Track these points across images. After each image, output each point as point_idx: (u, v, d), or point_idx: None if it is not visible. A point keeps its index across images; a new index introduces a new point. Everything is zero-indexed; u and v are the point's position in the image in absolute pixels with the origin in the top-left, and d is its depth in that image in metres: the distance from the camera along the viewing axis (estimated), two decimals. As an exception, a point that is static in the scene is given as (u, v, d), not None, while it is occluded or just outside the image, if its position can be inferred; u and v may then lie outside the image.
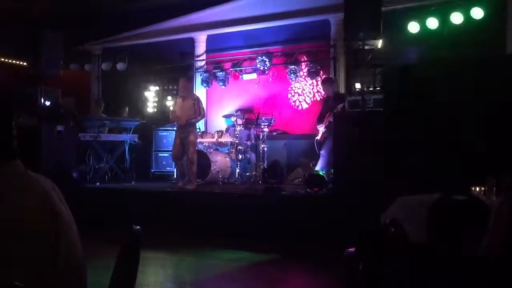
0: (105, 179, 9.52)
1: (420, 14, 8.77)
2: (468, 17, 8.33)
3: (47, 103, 9.02)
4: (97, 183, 9.09)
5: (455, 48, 8.16)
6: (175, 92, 9.60)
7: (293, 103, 10.79)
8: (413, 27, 8.81)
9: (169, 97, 11.85)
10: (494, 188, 3.93)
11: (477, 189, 4.00)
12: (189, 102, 8.39)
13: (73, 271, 1.23)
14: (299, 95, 10.76)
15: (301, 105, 10.72)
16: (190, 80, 9.12)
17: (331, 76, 9.74)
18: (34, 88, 8.93)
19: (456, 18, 8.40)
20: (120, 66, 11.73)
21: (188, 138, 8.27)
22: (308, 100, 10.65)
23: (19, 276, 1.09)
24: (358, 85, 7.94)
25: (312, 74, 10.27)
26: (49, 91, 9.14)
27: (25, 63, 12.40)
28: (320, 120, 8.35)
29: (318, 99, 10.38)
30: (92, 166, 9.47)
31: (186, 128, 8.29)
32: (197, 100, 8.54)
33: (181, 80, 8.66)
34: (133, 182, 9.63)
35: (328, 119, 8.15)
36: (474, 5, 8.26)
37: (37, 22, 9.63)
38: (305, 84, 10.67)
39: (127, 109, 11.08)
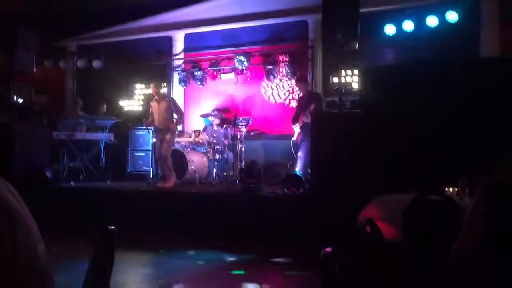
0: (79, 179, 9.37)
1: (396, 17, 8.91)
2: (443, 20, 8.49)
3: (20, 100, 8.84)
4: (71, 183, 8.95)
5: (430, 50, 8.29)
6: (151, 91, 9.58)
7: (270, 103, 10.79)
8: (390, 29, 8.93)
9: (146, 96, 11.76)
10: (467, 189, 4.00)
11: (451, 189, 4.07)
12: (164, 104, 8.51)
13: (34, 275, 1.18)
14: (272, 89, 10.72)
15: (275, 99, 10.71)
16: (159, 85, 9.18)
17: (306, 75, 9.80)
18: (6, 85, 8.74)
19: (432, 21, 8.55)
20: (96, 63, 11.56)
21: (165, 136, 8.45)
22: (282, 96, 10.65)
23: None
24: (335, 86, 8.01)
25: (289, 75, 10.31)
26: (21, 88, 8.96)
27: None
28: (295, 120, 8.39)
29: (295, 99, 10.41)
30: (66, 165, 9.32)
31: (165, 130, 8.47)
32: (172, 101, 8.69)
33: (151, 86, 8.84)
34: (108, 182, 9.51)
35: (302, 119, 8.20)
36: (449, 9, 8.42)
37: (11, 18, 9.41)
38: (283, 84, 10.68)
39: (105, 106, 10.94)
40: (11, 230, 1.12)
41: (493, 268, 1.72)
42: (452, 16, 8.41)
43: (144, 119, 8.93)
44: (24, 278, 1.13)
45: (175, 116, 8.65)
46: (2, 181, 1.24)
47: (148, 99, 10.96)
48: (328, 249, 2.00)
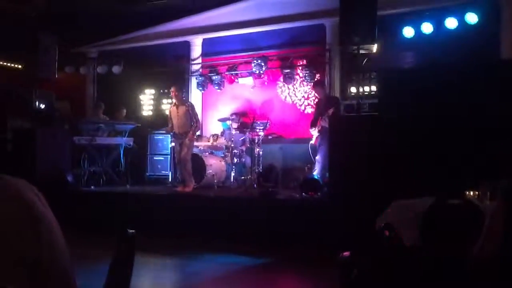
0: (99, 183, 9.49)
1: (415, 19, 8.82)
2: (462, 22, 8.39)
3: (42, 106, 8.99)
4: (92, 187, 9.06)
5: (450, 52, 8.19)
6: (170, 95, 9.66)
7: (288, 107, 10.79)
8: (408, 31, 8.85)
9: (164, 101, 11.88)
10: (488, 193, 3.95)
11: (471, 193, 4.01)
12: (182, 109, 8.54)
13: (58, 278, 1.21)
14: (294, 98, 10.76)
15: (297, 108, 10.73)
16: (180, 88, 9.19)
17: (323, 79, 9.76)
18: (28, 91, 8.90)
19: (451, 23, 8.45)
20: (115, 69, 11.71)
21: (184, 140, 8.51)
22: (303, 104, 10.66)
23: (5, 279, 1.07)
24: (353, 89, 7.98)
25: (307, 78, 10.30)
26: (43, 94, 9.11)
27: (19, 66, 12.35)
28: (313, 124, 8.37)
29: (313, 103, 10.39)
30: (87, 170, 9.45)
31: (183, 135, 8.54)
32: (191, 106, 8.71)
33: (172, 89, 8.73)
34: (128, 186, 9.61)
35: (320, 123, 8.18)
36: (468, 10, 8.31)
37: (32, 25, 9.60)
38: (301, 88, 10.67)
39: (124, 111, 11.08)
40: (35, 233, 1.15)
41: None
42: (471, 18, 8.30)
43: (166, 127, 8.97)
44: (49, 281, 1.15)
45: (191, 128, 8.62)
46: (28, 185, 1.27)
47: (167, 104, 11.08)
48: (346, 253, 2.00)
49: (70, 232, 1.41)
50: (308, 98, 10.56)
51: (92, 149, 9.39)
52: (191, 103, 9.05)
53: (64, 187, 8.24)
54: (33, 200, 1.20)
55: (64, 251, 1.23)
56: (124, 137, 9.84)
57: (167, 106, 11.21)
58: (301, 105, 10.66)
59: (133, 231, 1.80)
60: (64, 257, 1.22)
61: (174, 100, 8.75)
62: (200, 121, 9.46)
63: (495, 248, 1.70)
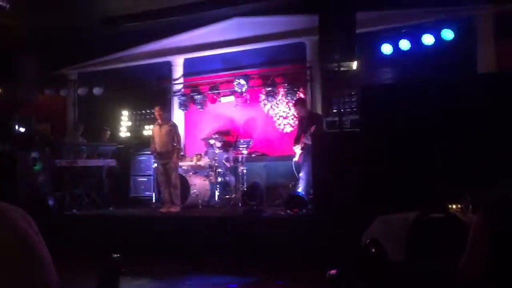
0: (82, 205, 9.35)
1: (392, 36, 8.98)
2: (439, 39, 8.56)
3: (22, 129, 8.88)
4: (74, 210, 8.92)
5: (428, 68, 8.35)
6: (152, 115, 9.64)
7: (278, 127, 10.79)
8: (386, 48, 9.01)
9: (146, 122, 11.83)
10: (470, 205, 4.00)
11: (454, 206, 4.06)
12: (166, 128, 8.56)
13: None
14: (284, 118, 10.77)
15: (280, 126, 10.76)
16: (164, 107, 9.21)
17: (304, 97, 9.84)
18: (8, 115, 8.79)
19: (428, 39, 8.63)
20: (96, 91, 11.64)
21: (169, 164, 8.49)
22: (285, 122, 10.70)
23: None
24: (335, 106, 8.06)
25: (289, 96, 10.37)
26: (23, 118, 9.00)
27: (-1, 90, 12.21)
28: (296, 141, 8.41)
29: (292, 122, 10.43)
30: (69, 192, 9.31)
31: (166, 154, 8.44)
32: (174, 126, 8.75)
33: (156, 108, 8.75)
34: (111, 208, 9.48)
35: (303, 140, 8.23)
36: (444, 27, 8.50)
37: (11, 48, 9.52)
38: (282, 106, 10.72)
39: (108, 132, 11.01)
40: (29, 267, 1.14)
41: (500, 284, 1.71)
42: (448, 34, 8.49)
43: (150, 147, 8.94)
44: None
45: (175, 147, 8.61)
46: (19, 212, 1.27)
47: (149, 124, 11.03)
48: (333, 271, 1.99)
49: (53, 256, 1.38)
50: (286, 117, 10.60)
51: (74, 171, 9.27)
52: (174, 123, 9.07)
53: (45, 211, 8.10)
54: (23, 226, 1.20)
55: (54, 275, 1.22)
56: (107, 158, 9.74)
57: (149, 126, 11.17)
58: (284, 123, 10.70)
59: (118, 255, 1.78)
60: (54, 281, 1.21)
61: (157, 120, 8.73)
62: (183, 141, 9.45)
63: (480, 262, 1.71)
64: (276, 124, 10.75)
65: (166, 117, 8.91)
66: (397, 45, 8.91)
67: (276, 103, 10.68)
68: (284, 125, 10.69)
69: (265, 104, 10.80)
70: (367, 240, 2.61)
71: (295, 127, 10.42)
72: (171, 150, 8.53)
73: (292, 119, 10.46)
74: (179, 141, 8.65)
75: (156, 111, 8.70)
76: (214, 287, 5.84)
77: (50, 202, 8.47)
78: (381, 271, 2.39)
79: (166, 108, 9.93)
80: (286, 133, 10.51)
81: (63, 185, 9.30)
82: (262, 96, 10.71)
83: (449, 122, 5.68)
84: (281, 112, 10.73)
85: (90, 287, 1.76)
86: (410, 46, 8.81)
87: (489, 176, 4.98)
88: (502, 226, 1.74)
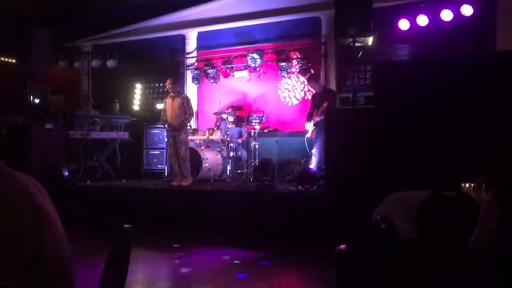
0: (95, 177, 9.47)
1: (410, 11, 8.80)
2: (458, 14, 8.38)
3: (36, 101, 8.94)
4: (88, 181, 9.04)
5: (445, 45, 8.19)
6: (165, 89, 9.63)
7: (283, 100, 10.78)
8: (404, 24, 8.84)
9: (159, 96, 11.84)
10: (484, 185, 3.95)
11: (467, 185, 4.02)
12: (178, 101, 8.52)
13: (59, 269, 1.21)
14: (289, 91, 10.74)
15: (292, 102, 10.71)
16: (176, 80, 9.19)
17: (318, 73, 9.75)
18: (23, 86, 8.84)
19: (446, 15, 8.45)
20: (110, 63, 11.67)
21: (179, 136, 8.46)
22: (298, 97, 10.65)
23: (6, 275, 1.07)
24: (349, 82, 7.96)
25: (303, 71, 10.28)
26: (38, 89, 9.05)
27: (13, 61, 12.26)
28: (309, 118, 8.36)
29: (309, 96, 10.38)
30: (82, 164, 9.42)
31: (176, 127, 8.41)
32: (186, 99, 8.67)
33: (168, 80, 8.72)
34: (124, 180, 9.58)
35: (315, 117, 8.17)
36: (464, 3, 8.30)
37: (26, 19, 9.51)
38: (296, 81, 10.66)
39: (118, 105, 11.04)
40: (38, 232, 1.15)
41: (509, 262, 1.70)
42: (467, 10, 8.30)
43: (161, 117, 8.95)
44: (49, 277, 1.16)
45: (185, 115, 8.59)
46: (32, 181, 1.29)
47: (162, 98, 11.04)
48: (342, 246, 2.00)
49: (66, 227, 1.40)
50: (304, 91, 10.54)
51: (87, 143, 9.36)
52: (187, 96, 9.01)
53: (59, 182, 8.21)
54: (35, 193, 1.21)
55: (63, 241, 1.24)
56: (120, 131, 9.80)
57: (162, 99, 11.17)
58: (296, 98, 10.64)
59: (129, 225, 1.80)
60: (63, 246, 1.23)
61: (170, 92, 8.71)
62: (194, 114, 9.44)
63: (491, 241, 1.70)
64: (281, 97, 10.70)
65: (178, 90, 8.87)
66: (415, 20, 8.74)
67: (290, 78, 10.61)
68: (290, 98, 10.63)
69: (279, 79, 10.72)
70: (377, 217, 2.60)
71: (300, 100, 10.40)
72: (182, 123, 8.51)
73: (300, 92, 10.41)
74: (190, 114, 8.61)
75: (168, 83, 8.68)
76: (222, 259, 5.91)
77: (65, 173, 8.58)
78: (391, 248, 2.39)
79: (178, 81, 9.90)
80: (299, 108, 10.45)
81: (77, 156, 9.40)
82: (276, 71, 10.63)
83: (465, 101, 5.59)
84: (286, 85, 10.67)
85: (102, 256, 1.78)
86: (428, 21, 8.63)
87: (502, 156, 4.92)
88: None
